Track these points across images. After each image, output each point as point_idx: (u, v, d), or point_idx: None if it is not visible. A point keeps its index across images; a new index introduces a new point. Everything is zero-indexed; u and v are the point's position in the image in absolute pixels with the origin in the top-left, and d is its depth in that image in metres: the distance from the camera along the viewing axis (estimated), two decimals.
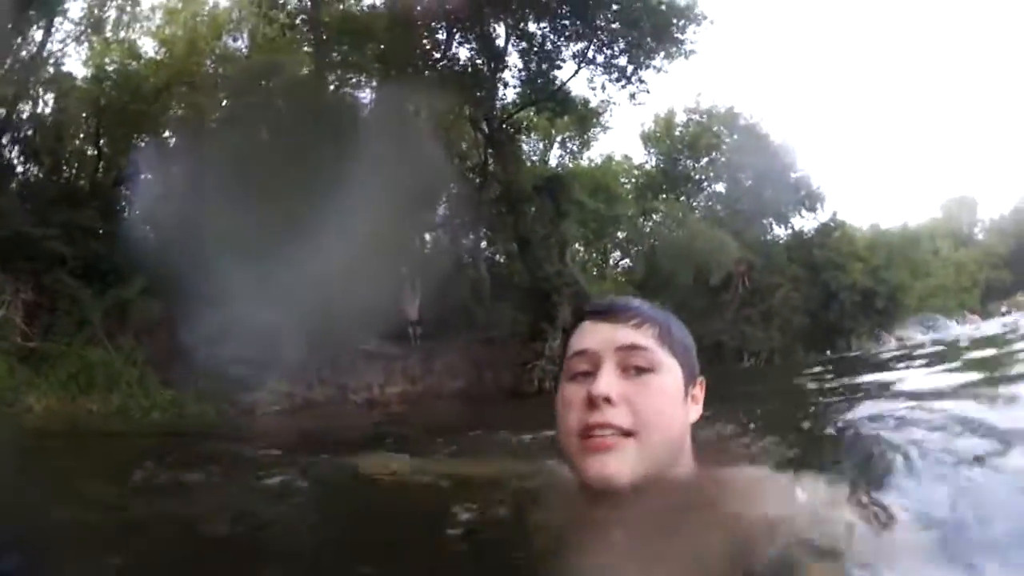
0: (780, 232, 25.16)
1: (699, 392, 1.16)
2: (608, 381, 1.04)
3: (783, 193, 23.78)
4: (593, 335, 1.10)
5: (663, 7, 17.85)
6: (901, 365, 7.74)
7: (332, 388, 15.28)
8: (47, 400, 9.10)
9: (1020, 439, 1.34)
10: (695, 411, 1.14)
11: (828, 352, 21.26)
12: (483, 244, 21.49)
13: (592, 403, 1.04)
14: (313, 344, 13.54)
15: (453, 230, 20.76)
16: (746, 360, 20.38)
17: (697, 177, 25.90)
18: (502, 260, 20.87)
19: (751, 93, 75.28)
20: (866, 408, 2.18)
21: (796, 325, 21.47)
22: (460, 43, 18.11)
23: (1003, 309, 31.46)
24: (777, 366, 20.06)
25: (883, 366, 8.76)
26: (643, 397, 1.05)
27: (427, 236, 21.29)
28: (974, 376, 3.86)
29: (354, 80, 16.93)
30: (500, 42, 18.47)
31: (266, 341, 11.34)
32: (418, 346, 17.05)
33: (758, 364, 20.17)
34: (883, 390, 4.21)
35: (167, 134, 15.11)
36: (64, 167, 14.72)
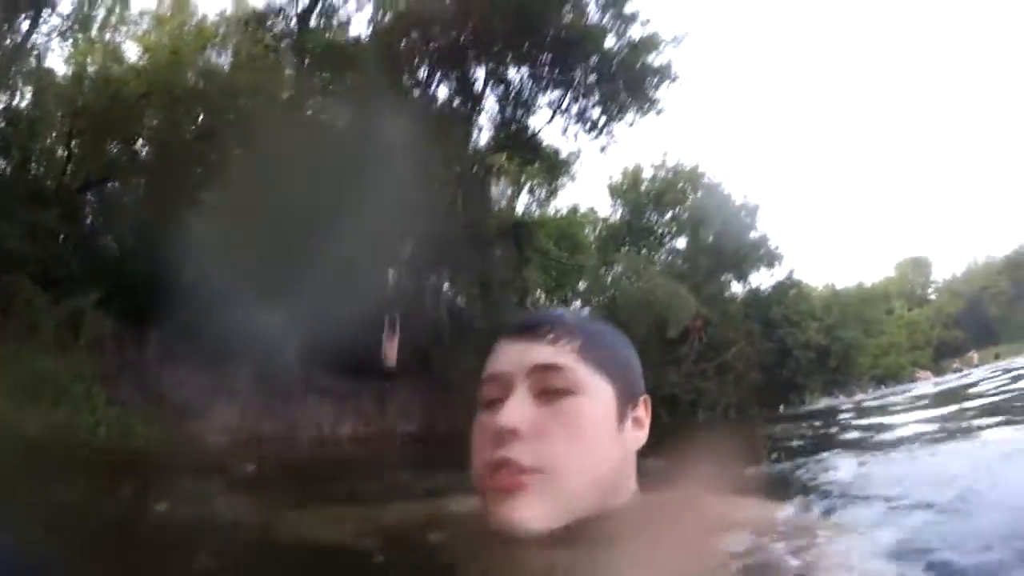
0: (738, 288, 25.69)
1: (643, 414, 0.97)
2: (515, 410, 0.88)
3: (742, 251, 24.39)
4: (506, 356, 0.96)
5: (638, 66, 18.39)
6: (850, 416, 7.87)
7: (281, 423, 14.66)
8: None
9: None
10: (637, 436, 0.96)
11: (781, 407, 21.63)
12: (445, 286, 21.29)
13: (499, 437, 0.88)
14: (265, 374, 13.24)
15: (417, 268, 20.30)
16: (700, 414, 20.48)
17: (660, 231, 26.46)
18: (462, 303, 20.67)
19: (716, 152, 78.74)
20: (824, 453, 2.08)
21: (751, 380, 21.77)
22: (440, 82, 18.34)
23: (955, 366, 32.72)
24: (731, 420, 20.31)
25: (834, 417, 8.91)
26: (560, 426, 0.88)
27: (390, 272, 21.17)
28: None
29: (333, 108, 16.87)
30: (479, 85, 18.73)
31: (219, 367, 11.27)
32: (372, 385, 16.68)
33: (712, 418, 20.22)
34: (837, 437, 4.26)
35: (140, 143, 14.77)
36: (33, 164, 14.23)
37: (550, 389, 0.90)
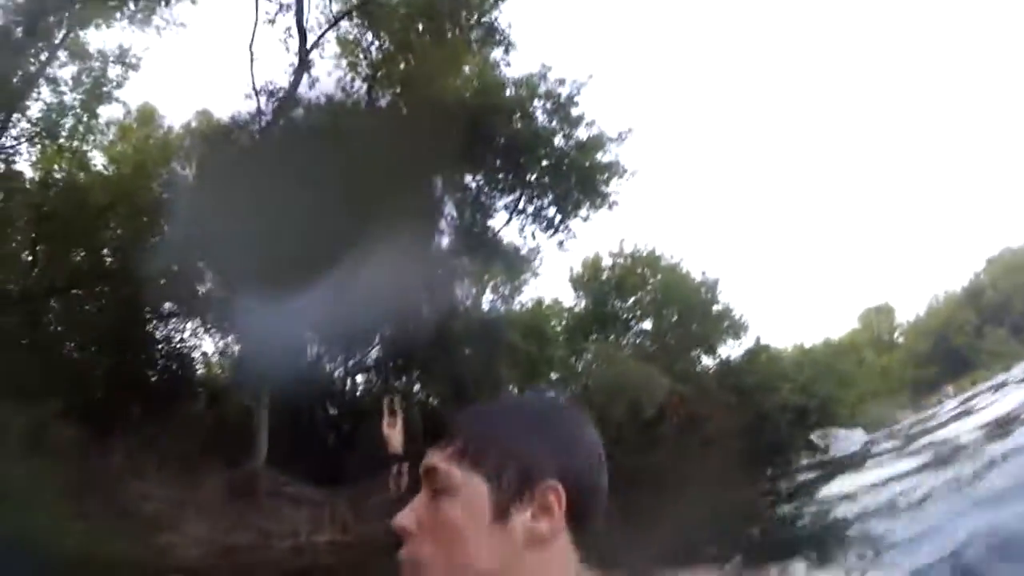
0: (709, 362, 25.84)
1: (551, 501, 0.89)
2: (407, 511, 0.92)
3: (708, 326, 24.91)
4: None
5: (588, 164, 19.36)
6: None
7: (253, 533, 14.33)
8: None
9: None
10: (535, 528, 0.89)
11: (768, 471, 21.34)
12: (416, 388, 21.23)
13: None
14: (236, 484, 13.31)
15: (386, 374, 20.57)
16: (690, 490, 19.94)
17: (625, 316, 26.71)
18: (435, 403, 20.55)
19: (670, 233, 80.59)
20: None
21: (734, 449, 21.45)
22: None
23: (936, 399, 32.95)
24: (720, 492, 19.91)
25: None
26: (434, 526, 0.90)
27: (359, 378, 21.19)
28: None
29: None
30: (436, 191, 19.33)
31: (187, 477, 11.35)
32: (344, 490, 16.20)
33: (701, 492, 19.83)
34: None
35: (104, 252, 14.90)
36: None
37: (433, 489, 0.92)
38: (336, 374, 19.70)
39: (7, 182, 14.57)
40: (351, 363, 20.05)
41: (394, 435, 12.74)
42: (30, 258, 14.91)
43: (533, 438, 0.94)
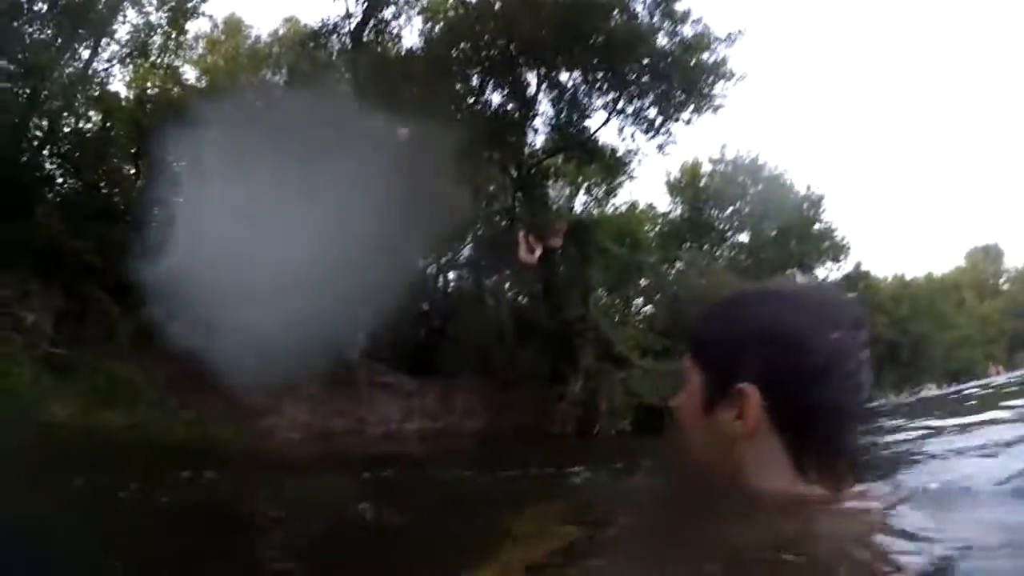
0: (804, 282, 24.38)
1: (743, 403, 0.87)
2: (682, 391, 0.99)
3: (807, 244, 24.00)
4: None
5: (692, 65, 18.21)
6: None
7: (350, 420, 15.29)
8: (70, 409, 9.09)
9: None
10: (733, 426, 0.88)
11: None
12: (507, 286, 21.38)
13: None
14: (334, 374, 13.74)
15: (478, 271, 20.87)
16: None
17: (721, 227, 26.01)
18: (525, 302, 20.73)
19: (776, 143, 75.64)
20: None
21: None
22: (493, 90, 18.49)
23: None
24: None
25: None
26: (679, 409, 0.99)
27: (451, 275, 21.61)
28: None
29: (388, 120, 17.35)
30: (531, 90, 18.81)
31: (285, 369, 11.35)
32: (434, 382, 17.05)
33: None
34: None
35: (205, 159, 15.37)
36: (103, 183, 14.88)
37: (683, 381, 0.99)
38: (429, 271, 19.92)
39: (105, 103, 14.91)
40: (443, 261, 20.25)
41: (531, 257, 13.20)
42: (133, 171, 15.34)
43: (749, 337, 0.90)
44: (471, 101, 18.24)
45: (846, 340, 0.87)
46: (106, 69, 15.28)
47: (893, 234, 78.87)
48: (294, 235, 11.42)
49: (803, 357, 0.86)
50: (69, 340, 10.43)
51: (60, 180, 14.43)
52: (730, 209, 25.74)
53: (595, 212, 24.76)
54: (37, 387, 9.19)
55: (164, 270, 10.21)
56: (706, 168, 26.37)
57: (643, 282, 25.00)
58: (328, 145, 12.67)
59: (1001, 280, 45.38)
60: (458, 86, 17.90)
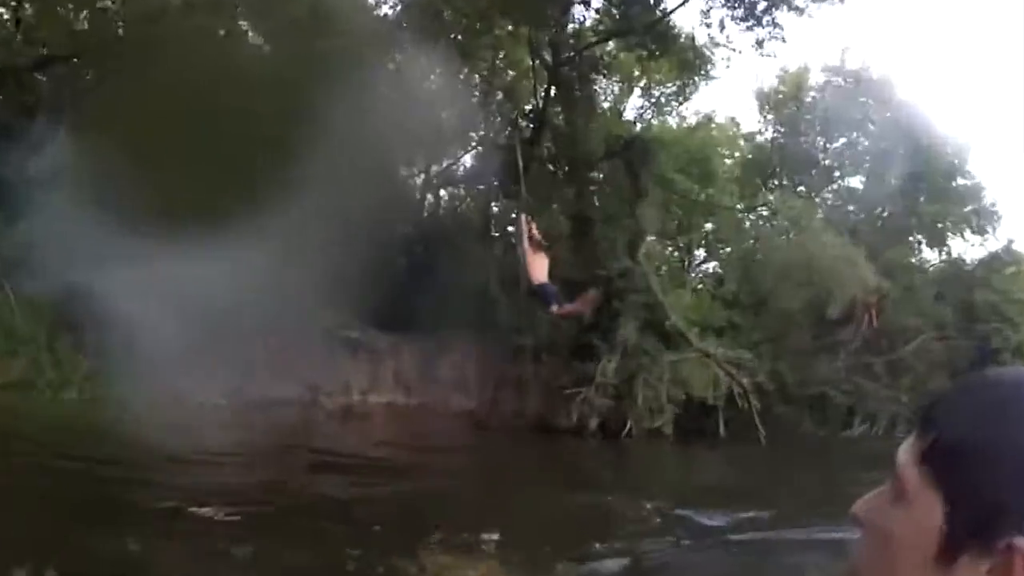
0: (931, 256, 23.85)
1: (1013, 564, 0.68)
2: (870, 495, 0.84)
3: (943, 203, 22.45)
4: None
5: None
6: None
7: (297, 386, 14.45)
8: None
9: None
10: None
11: None
12: (523, 216, 19.84)
13: None
14: (275, 325, 12.85)
15: (482, 190, 19.71)
16: (857, 424, 19.15)
17: (827, 163, 24.49)
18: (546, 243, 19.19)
19: (915, 60, 70.41)
20: None
21: (932, 387, 19.55)
22: None
23: None
24: (898, 438, 18.24)
25: None
26: (878, 529, 0.81)
27: (442, 192, 20.63)
28: None
29: None
30: None
31: (211, 316, 10.68)
32: (413, 339, 15.98)
33: (874, 431, 18.89)
34: None
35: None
36: None
37: (895, 488, 0.82)
38: (412, 182, 19.04)
39: None
40: (434, 172, 19.33)
41: (534, 261, 11.28)
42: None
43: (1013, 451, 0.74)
44: None
45: None
46: None
47: None
48: (231, 139, 10.58)
49: None
50: None
51: None
52: (842, 140, 24.00)
53: (655, 124, 23.09)
54: None
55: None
56: (816, 79, 24.37)
57: (710, 228, 23.98)
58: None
59: None
60: None
